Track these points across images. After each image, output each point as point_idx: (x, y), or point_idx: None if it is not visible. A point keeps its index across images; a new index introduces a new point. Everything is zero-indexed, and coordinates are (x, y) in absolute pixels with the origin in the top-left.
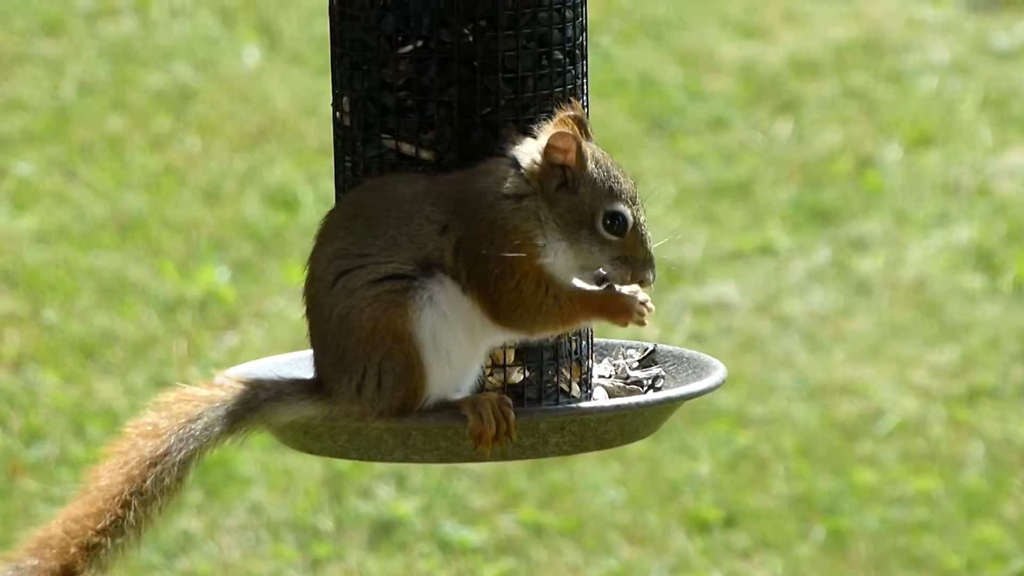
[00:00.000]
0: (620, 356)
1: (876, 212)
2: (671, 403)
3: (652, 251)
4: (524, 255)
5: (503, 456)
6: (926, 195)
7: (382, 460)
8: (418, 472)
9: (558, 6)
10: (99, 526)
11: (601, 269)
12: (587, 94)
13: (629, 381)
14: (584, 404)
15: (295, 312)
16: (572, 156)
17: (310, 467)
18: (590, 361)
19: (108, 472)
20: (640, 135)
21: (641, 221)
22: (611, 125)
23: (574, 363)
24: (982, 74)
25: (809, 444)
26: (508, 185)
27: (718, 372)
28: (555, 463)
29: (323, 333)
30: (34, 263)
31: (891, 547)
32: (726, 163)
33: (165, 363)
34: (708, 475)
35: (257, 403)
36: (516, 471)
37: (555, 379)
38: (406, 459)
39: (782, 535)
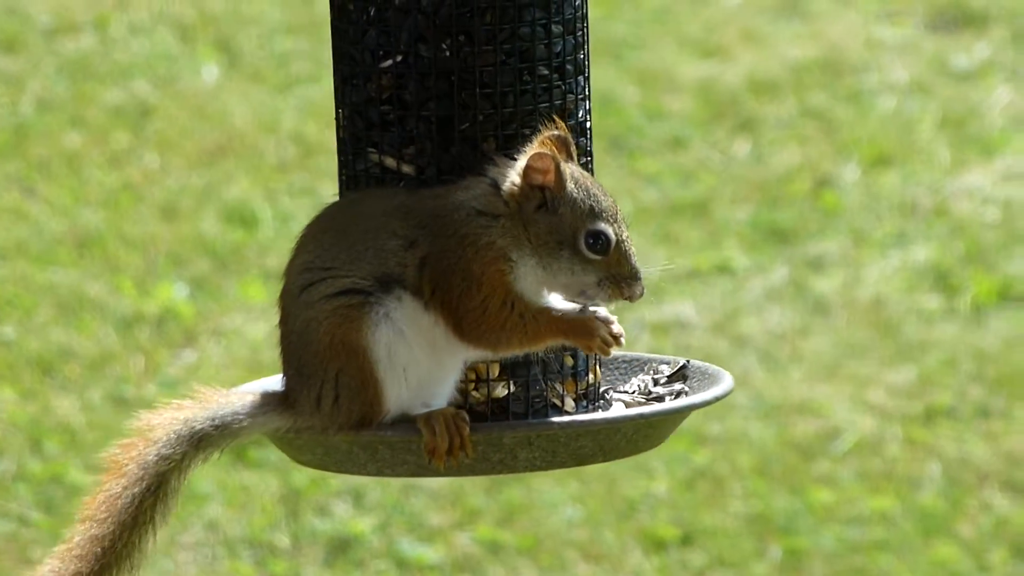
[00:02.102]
0: (651, 371)
1: (834, 232)
2: (645, 419)
3: (637, 266)
4: (493, 271)
5: (471, 471)
6: (884, 215)
7: (357, 473)
8: (375, 489)
9: (543, 21)
10: None
11: (585, 290)
12: (589, 111)
13: (650, 397)
14: (553, 419)
15: (253, 329)
16: (551, 177)
17: (267, 484)
18: (591, 375)
19: (80, 521)
20: (598, 154)
21: (624, 238)
22: None
23: (570, 378)
24: (941, 94)
25: (766, 463)
26: (484, 203)
27: (713, 391)
28: (512, 480)
29: (288, 344)
30: None
31: (847, 566)
32: (684, 182)
33: (123, 379)
34: (665, 493)
35: (221, 418)
36: (473, 488)
37: (545, 394)
38: (379, 473)
39: (739, 553)
